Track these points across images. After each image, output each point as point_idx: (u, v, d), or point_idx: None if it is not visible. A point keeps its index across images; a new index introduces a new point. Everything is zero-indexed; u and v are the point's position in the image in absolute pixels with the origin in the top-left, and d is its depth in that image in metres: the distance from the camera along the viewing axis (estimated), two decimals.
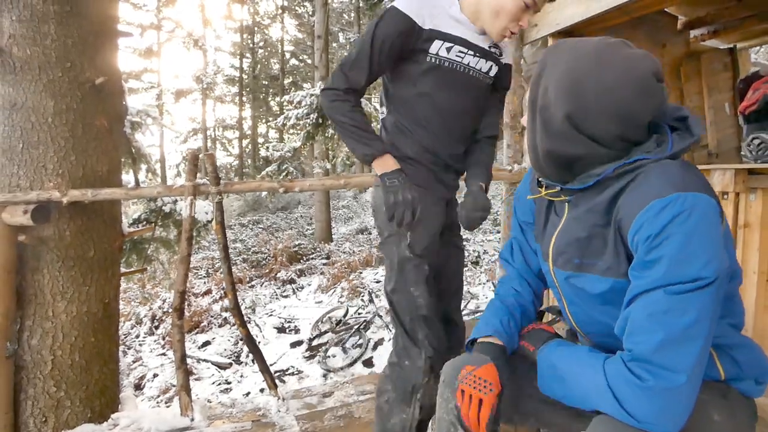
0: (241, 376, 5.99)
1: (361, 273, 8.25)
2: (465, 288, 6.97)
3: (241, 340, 6.97)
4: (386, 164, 1.29)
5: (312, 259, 9.90)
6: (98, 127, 1.92)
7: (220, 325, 7.22)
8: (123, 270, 3.81)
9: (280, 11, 22.01)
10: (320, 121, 6.68)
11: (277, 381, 5.68)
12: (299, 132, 7.01)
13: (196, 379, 6.02)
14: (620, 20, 2.25)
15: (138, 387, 6.08)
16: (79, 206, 1.84)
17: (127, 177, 4.44)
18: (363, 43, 1.24)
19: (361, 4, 16.71)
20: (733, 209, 1.69)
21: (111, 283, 1.99)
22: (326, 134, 6.72)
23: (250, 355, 6.53)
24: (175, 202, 4.92)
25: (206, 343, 6.96)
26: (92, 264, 1.90)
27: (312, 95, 6.55)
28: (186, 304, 7.91)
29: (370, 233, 12.08)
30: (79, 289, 1.86)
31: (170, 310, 7.93)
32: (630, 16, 2.23)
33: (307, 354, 6.19)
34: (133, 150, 3.97)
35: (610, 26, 2.34)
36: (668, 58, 2.92)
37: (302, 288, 8.70)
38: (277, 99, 24.65)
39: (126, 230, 2.08)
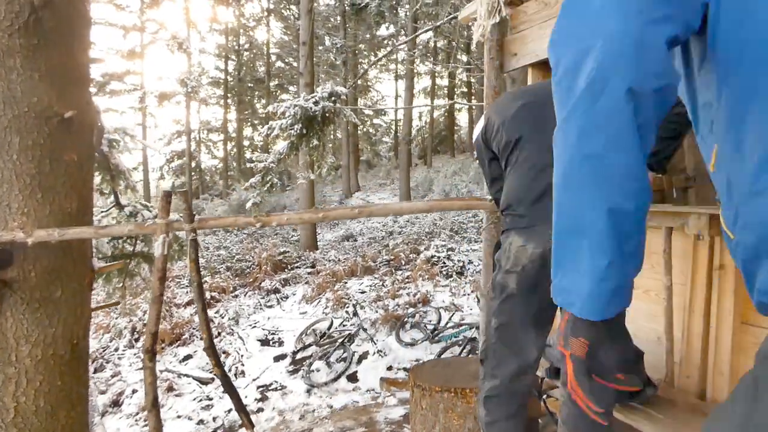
0: (223, 391, 5.89)
1: (345, 283, 8.21)
2: (450, 299, 6.99)
3: (223, 353, 6.87)
4: None
5: (297, 267, 9.83)
6: (67, 162, 1.85)
7: (203, 338, 7.10)
8: (102, 265, 3.70)
9: (265, 14, 21.86)
10: (304, 131, 6.61)
11: (260, 396, 5.62)
12: (284, 141, 6.94)
13: (176, 395, 5.91)
14: None
15: (116, 403, 5.95)
16: (45, 245, 1.77)
17: (107, 194, 4.36)
18: None
19: (346, 9, 16.66)
20: (708, 251, 1.70)
21: (80, 322, 1.92)
22: (311, 144, 6.66)
23: (233, 369, 6.46)
24: (155, 217, 4.84)
25: (188, 357, 6.84)
26: (59, 304, 1.83)
27: (296, 105, 6.48)
28: (167, 314, 7.79)
29: (355, 240, 12.05)
30: (45, 332, 1.79)
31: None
32: None
33: (290, 368, 6.12)
34: (112, 167, 3.89)
35: None
36: None
37: (286, 298, 8.61)
38: (263, 101, 24.50)
39: (96, 266, 2.01)
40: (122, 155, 3.43)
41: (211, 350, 1.81)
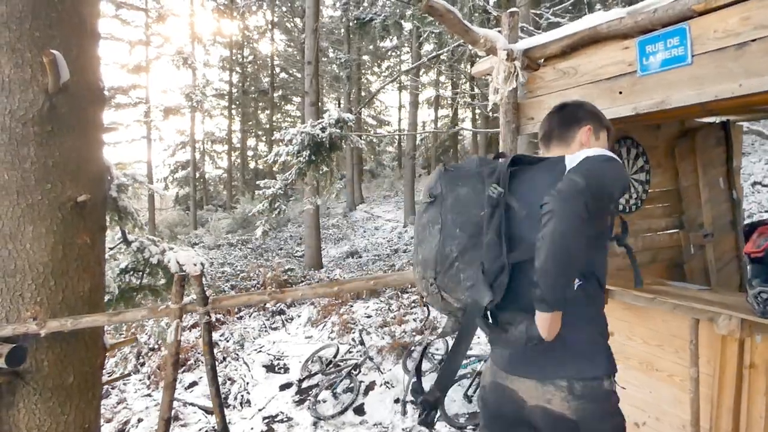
0: (229, 422, 5.84)
1: (351, 306, 8.16)
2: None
3: (228, 379, 6.83)
4: None
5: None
6: (80, 245, 1.83)
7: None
8: (113, 342, 3.66)
9: (269, 26, 21.97)
10: (312, 157, 6.60)
11: (266, 428, 5.56)
12: (292, 166, 6.93)
13: (182, 425, 5.86)
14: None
15: None
16: (58, 333, 1.74)
17: (113, 233, 4.40)
18: None
19: (351, 24, 16.71)
20: (738, 348, 1.65)
21: (92, 405, 1.89)
22: (319, 171, 6.65)
23: (238, 397, 6.41)
24: (163, 252, 4.88)
25: (193, 384, 6.79)
26: (71, 391, 1.80)
27: (303, 132, 6.48)
28: None
29: (360, 256, 12.00)
30: (57, 420, 1.76)
31: (156, 345, 7.75)
32: (625, 123, 2.21)
33: (296, 398, 6.06)
34: (120, 209, 3.90)
35: None
36: (662, 139, 2.91)
37: (291, 320, 8.57)
38: (267, 112, 24.57)
39: (108, 344, 1.98)
40: (131, 200, 3.42)
41: None
